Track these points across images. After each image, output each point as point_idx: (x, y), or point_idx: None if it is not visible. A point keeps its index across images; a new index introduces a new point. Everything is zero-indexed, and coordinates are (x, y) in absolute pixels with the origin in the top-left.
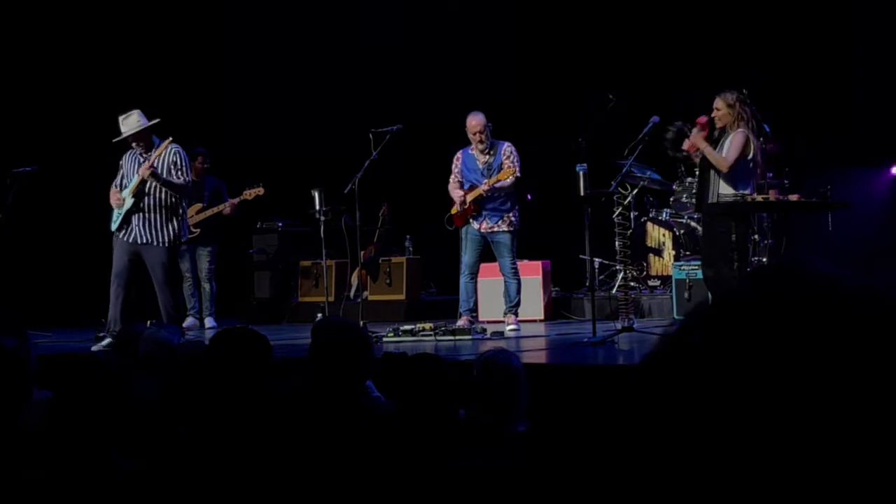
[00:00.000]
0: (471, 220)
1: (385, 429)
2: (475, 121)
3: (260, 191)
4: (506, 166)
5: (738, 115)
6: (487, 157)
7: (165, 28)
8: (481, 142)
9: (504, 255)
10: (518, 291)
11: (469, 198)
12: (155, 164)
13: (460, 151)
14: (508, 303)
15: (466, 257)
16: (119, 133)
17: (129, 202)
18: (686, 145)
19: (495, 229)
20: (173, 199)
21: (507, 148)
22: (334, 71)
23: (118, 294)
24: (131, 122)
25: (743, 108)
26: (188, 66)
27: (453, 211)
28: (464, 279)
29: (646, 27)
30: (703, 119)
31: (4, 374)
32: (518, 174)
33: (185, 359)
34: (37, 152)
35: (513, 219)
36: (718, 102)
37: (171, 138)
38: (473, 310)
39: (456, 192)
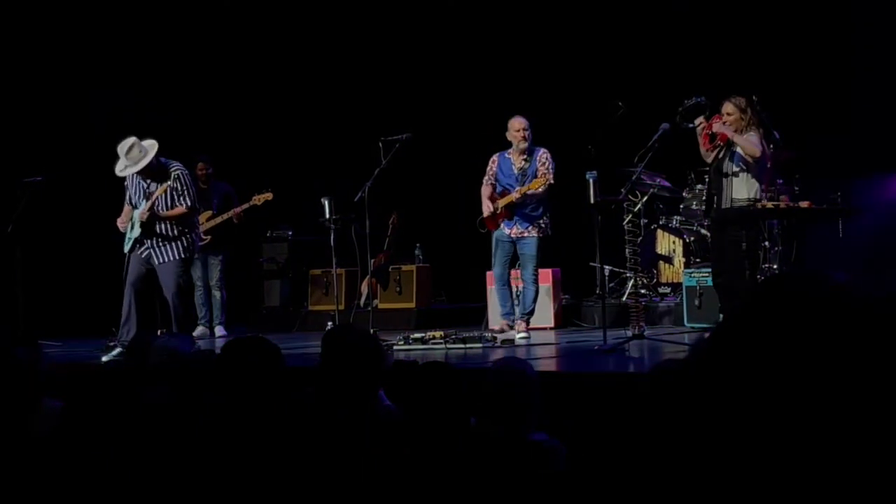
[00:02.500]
0: (501, 225)
1: (396, 437)
2: (518, 122)
3: (269, 195)
4: (540, 174)
5: (750, 119)
6: (523, 162)
7: (173, 36)
8: (525, 139)
9: (527, 262)
10: (534, 300)
11: (501, 203)
12: (157, 201)
13: (496, 155)
14: (522, 310)
15: (497, 268)
16: (117, 158)
17: (136, 230)
18: (705, 129)
19: (525, 234)
20: (178, 223)
21: (542, 154)
22: (344, 78)
23: (133, 303)
24: (134, 156)
25: (754, 112)
26: (197, 74)
27: (485, 214)
28: (497, 286)
29: (653, 32)
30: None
31: (14, 384)
32: (551, 181)
33: (197, 368)
34: (45, 162)
35: (543, 224)
36: (729, 107)
37: (176, 165)
38: (512, 312)
39: (486, 197)
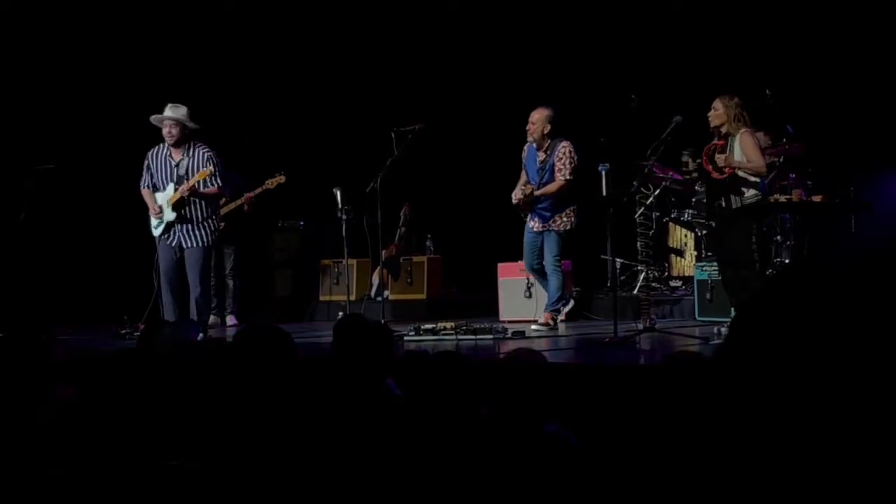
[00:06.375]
0: (527, 218)
1: (404, 425)
2: (535, 114)
3: (281, 178)
4: (556, 169)
5: (737, 116)
6: (545, 155)
7: (186, 25)
8: (531, 133)
9: (549, 250)
10: (558, 288)
11: (521, 196)
12: (188, 175)
13: (527, 144)
14: (548, 299)
15: (525, 260)
16: (160, 112)
17: (169, 214)
18: (718, 162)
19: (545, 228)
20: (208, 206)
21: (561, 149)
22: (357, 69)
23: (172, 292)
24: (177, 113)
25: (741, 111)
26: (209, 64)
27: (513, 201)
28: (536, 280)
29: (667, 24)
30: (720, 142)
31: (27, 370)
32: (567, 177)
33: (209, 355)
34: (58, 149)
35: (563, 219)
36: (716, 103)
37: (190, 140)
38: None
39: (519, 184)
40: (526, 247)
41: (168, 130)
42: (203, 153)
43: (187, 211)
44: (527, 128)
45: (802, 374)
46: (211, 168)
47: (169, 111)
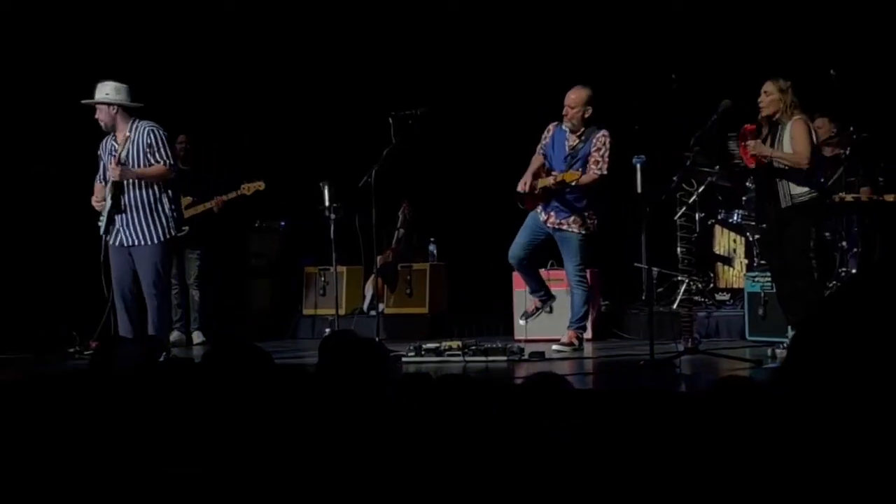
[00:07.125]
0: (539, 208)
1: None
2: (572, 94)
3: (260, 185)
4: (591, 161)
5: (792, 101)
6: (578, 141)
7: (182, 22)
8: (570, 119)
9: (567, 260)
10: (584, 302)
11: (538, 184)
12: (125, 155)
13: (553, 124)
14: (571, 317)
15: (514, 248)
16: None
17: (107, 203)
18: (747, 151)
19: (563, 227)
20: (156, 189)
21: (600, 138)
22: (350, 44)
23: (126, 305)
24: (100, 93)
25: (794, 95)
26: (185, 44)
27: (518, 188)
28: (516, 270)
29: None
30: (749, 126)
31: None
32: (603, 172)
33: (173, 379)
34: (42, 153)
35: (586, 218)
36: (769, 86)
37: (134, 118)
38: (539, 290)
39: (531, 169)
40: (523, 232)
41: (96, 117)
42: (144, 128)
43: (127, 198)
44: (565, 111)
45: (872, 403)
46: (148, 139)
47: (95, 93)
